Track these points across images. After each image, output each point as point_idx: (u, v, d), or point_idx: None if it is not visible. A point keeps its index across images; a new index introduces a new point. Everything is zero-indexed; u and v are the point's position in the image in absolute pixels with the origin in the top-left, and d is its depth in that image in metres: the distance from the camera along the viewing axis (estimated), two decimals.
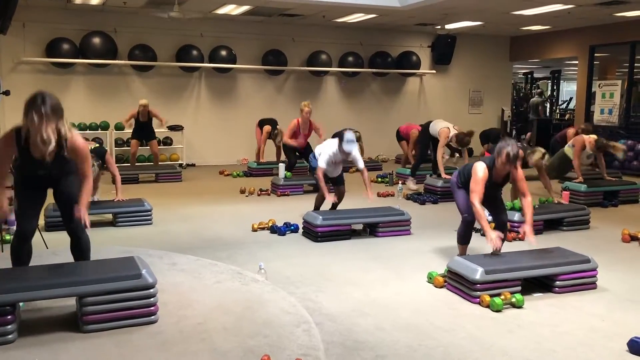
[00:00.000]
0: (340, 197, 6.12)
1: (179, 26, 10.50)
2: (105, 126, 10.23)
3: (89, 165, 3.42)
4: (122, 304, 3.12)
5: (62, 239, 4.42)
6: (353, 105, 12.48)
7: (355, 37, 12.16)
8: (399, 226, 5.65)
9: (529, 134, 14.40)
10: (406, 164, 9.85)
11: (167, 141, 10.81)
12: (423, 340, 3.18)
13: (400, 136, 9.77)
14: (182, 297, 3.60)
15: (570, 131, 9.16)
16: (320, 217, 5.37)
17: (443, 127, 7.83)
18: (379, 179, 9.09)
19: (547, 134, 13.26)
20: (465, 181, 4.40)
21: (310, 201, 6.67)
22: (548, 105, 17.22)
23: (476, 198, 4.11)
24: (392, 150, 12.04)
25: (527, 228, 4.14)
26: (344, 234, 5.45)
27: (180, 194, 7.90)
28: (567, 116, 16.68)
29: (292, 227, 5.71)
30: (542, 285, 4.02)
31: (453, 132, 7.74)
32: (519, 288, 3.83)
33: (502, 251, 4.18)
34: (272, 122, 9.95)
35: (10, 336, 2.92)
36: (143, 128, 9.21)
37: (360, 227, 5.74)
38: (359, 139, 10.16)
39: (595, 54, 12.12)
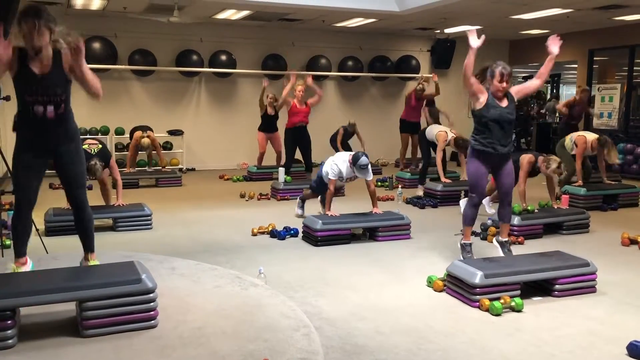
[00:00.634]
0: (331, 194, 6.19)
1: (179, 31, 10.54)
2: (105, 131, 10.25)
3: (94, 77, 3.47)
4: (122, 308, 3.12)
5: (62, 243, 4.45)
6: (353, 109, 12.50)
7: (354, 42, 12.19)
8: (399, 230, 5.66)
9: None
10: (405, 166, 9.90)
11: (167, 146, 10.83)
12: (422, 344, 3.18)
13: (404, 126, 9.83)
14: (182, 301, 3.60)
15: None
16: (320, 221, 5.37)
17: (440, 131, 7.86)
18: (379, 183, 9.10)
19: (548, 137, 13.27)
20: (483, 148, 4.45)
21: (310, 205, 6.69)
22: None
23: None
24: (391, 154, 12.05)
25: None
26: (344, 238, 5.46)
27: (180, 199, 7.91)
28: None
29: (292, 232, 5.72)
30: (541, 289, 4.03)
31: (451, 135, 7.76)
32: (519, 292, 3.83)
33: (502, 255, 4.19)
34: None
35: (10, 341, 2.92)
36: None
37: (360, 231, 5.75)
38: (354, 128, 10.12)
39: (595, 58, 12.14)
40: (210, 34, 11.00)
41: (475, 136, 4.50)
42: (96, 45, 10.05)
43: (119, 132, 10.29)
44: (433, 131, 8.01)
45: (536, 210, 5.94)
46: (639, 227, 6.13)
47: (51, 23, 3.22)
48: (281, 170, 8.19)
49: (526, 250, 5.04)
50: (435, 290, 4.08)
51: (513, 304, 3.68)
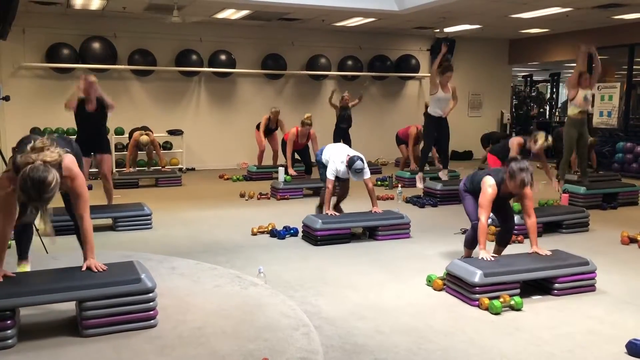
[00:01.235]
0: (345, 191, 6.14)
1: (178, 31, 10.54)
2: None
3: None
4: (122, 308, 3.12)
5: (62, 243, 4.44)
6: (352, 108, 12.48)
7: (354, 41, 12.19)
8: (399, 229, 5.66)
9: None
10: (405, 166, 9.88)
11: (167, 145, 10.83)
12: (422, 344, 3.18)
13: (400, 139, 9.80)
14: (182, 301, 3.61)
15: None
16: (320, 220, 5.37)
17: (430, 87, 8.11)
18: (379, 182, 9.10)
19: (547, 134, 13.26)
20: (472, 189, 4.42)
21: (310, 205, 6.69)
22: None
23: (483, 214, 4.13)
24: (391, 154, 12.05)
25: (536, 250, 4.15)
26: (344, 237, 5.46)
27: (180, 198, 7.91)
28: None
29: (292, 231, 5.72)
30: (541, 287, 4.03)
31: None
32: (518, 291, 3.83)
33: (501, 254, 4.19)
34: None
35: (9, 341, 2.93)
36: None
37: (359, 230, 5.75)
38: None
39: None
40: (209, 33, 10.99)
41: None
42: (96, 45, 10.05)
43: (119, 132, 10.29)
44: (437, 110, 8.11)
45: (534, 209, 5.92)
46: (638, 226, 6.12)
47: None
48: (281, 169, 8.19)
49: (526, 249, 5.04)
50: (434, 290, 4.08)
51: (512, 302, 3.68)
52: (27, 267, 3.97)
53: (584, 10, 9.43)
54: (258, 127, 9.99)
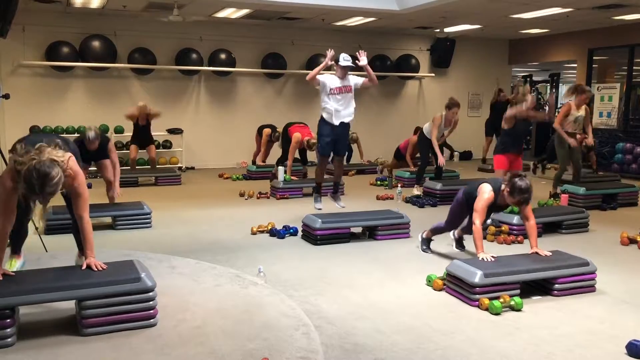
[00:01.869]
0: (338, 170, 6.23)
1: (178, 29, 10.53)
2: (104, 129, 10.21)
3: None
4: (121, 307, 3.12)
5: (61, 242, 4.45)
6: None
7: (354, 41, 12.16)
8: (398, 229, 5.66)
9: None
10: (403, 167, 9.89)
11: (167, 144, 10.83)
12: (422, 343, 3.18)
13: (401, 154, 9.79)
14: (181, 300, 3.60)
15: None
16: (320, 220, 5.37)
17: (435, 117, 8.01)
18: (378, 182, 9.10)
19: (547, 137, 13.25)
20: (468, 199, 4.54)
21: (310, 204, 6.69)
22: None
23: (478, 218, 4.24)
24: (391, 154, 12.02)
25: (536, 250, 4.18)
26: (343, 237, 5.45)
27: (180, 197, 7.90)
28: None
29: (292, 230, 5.72)
30: (541, 288, 4.03)
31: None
32: (518, 291, 3.83)
33: (501, 254, 4.19)
34: (271, 127, 9.99)
35: (9, 339, 2.92)
36: (141, 132, 9.20)
37: (359, 230, 5.75)
38: (356, 140, 10.28)
39: (594, 57, 12.15)
40: (210, 32, 10.98)
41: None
42: (96, 43, 10.04)
43: (119, 130, 10.28)
44: (428, 127, 8.10)
45: (534, 209, 5.93)
46: (638, 227, 6.13)
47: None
48: (281, 169, 8.20)
49: (526, 249, 5.04)
50: (434, 289, 4.08)
51: (512, 303, 3.68)
52: (17, 262, 3.97)
53: (584, 10, 9.44)
54: (259, 131, 10.02)
